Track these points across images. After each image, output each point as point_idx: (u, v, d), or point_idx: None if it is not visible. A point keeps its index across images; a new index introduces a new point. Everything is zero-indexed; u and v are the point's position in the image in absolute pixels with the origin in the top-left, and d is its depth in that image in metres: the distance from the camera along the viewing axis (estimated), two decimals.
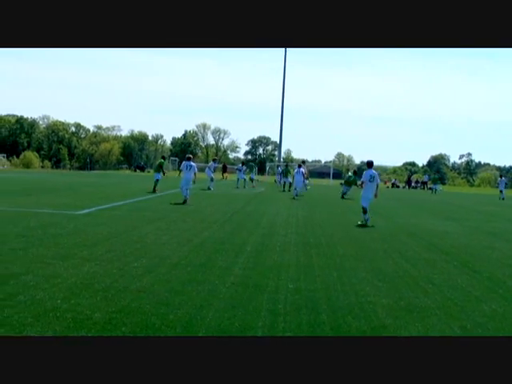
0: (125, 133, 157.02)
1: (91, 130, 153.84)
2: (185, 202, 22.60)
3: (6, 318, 6.03)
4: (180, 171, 24.63)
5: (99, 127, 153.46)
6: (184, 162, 23.88)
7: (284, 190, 39.24)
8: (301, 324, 6.45)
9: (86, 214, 16.83)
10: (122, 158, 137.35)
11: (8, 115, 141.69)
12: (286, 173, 41.09)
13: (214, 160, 43.43)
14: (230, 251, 11.16)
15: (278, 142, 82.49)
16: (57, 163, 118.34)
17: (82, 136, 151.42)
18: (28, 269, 8.52)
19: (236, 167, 52.35)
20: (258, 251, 11.44)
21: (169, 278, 8.42)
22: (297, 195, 31.75)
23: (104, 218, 15.91)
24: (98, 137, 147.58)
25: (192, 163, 23.74)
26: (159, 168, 30.37)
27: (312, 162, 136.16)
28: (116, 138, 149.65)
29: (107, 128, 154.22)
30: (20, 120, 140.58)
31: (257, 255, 10.93)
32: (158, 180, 30.05)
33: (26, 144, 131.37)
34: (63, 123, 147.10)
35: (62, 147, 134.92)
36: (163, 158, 33.25)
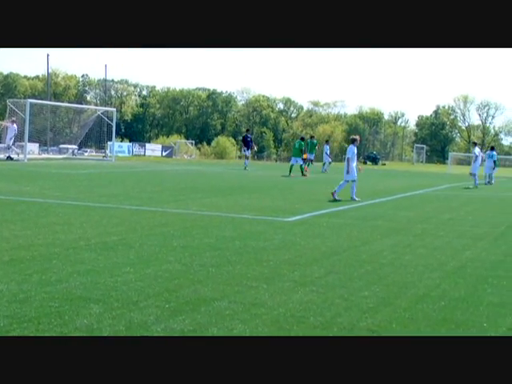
0: None
1: None
2: None
3: None
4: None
5: None
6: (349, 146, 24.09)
7: None
8: None
9: (297, 221, 16.86)
10: None
11: None
12: None
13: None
14: (505, 280, 10.31)
15: None
16: None
17: None
18: (223, 292, 8.63)
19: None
20: None
21: (413, 316, 7.97)
22: None
23: (322, 227, 15.77)
24: None
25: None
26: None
27: None
28: None
29: None
30: None
31: None
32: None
33: None
34: None
35: None
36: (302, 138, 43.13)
